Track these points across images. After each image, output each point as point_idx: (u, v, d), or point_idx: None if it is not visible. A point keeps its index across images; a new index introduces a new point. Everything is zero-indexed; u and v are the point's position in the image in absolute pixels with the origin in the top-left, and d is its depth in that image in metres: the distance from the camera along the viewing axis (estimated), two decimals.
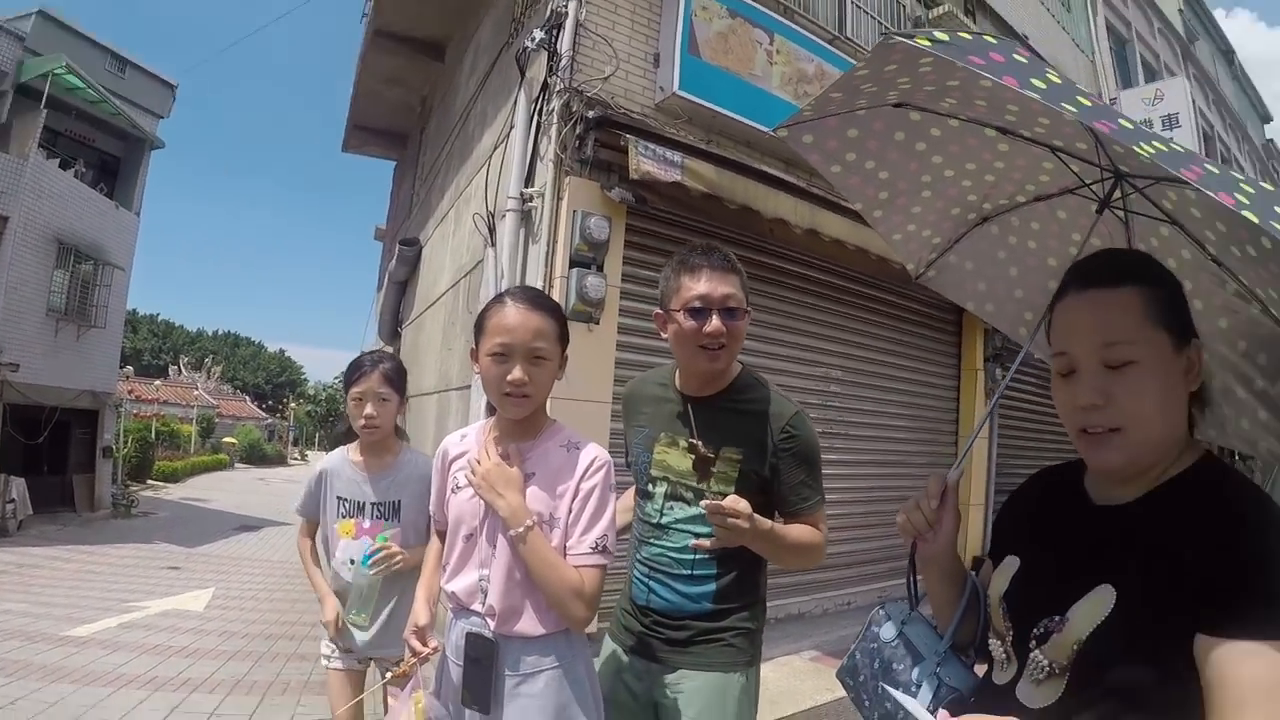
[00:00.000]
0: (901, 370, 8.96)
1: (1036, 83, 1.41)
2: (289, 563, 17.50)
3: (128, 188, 25.37)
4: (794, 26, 7.77)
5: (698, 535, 2.34)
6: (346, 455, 3.32)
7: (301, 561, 3.40)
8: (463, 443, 2.41)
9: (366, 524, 3.20)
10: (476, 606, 2.17)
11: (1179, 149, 1.38)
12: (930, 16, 9.58)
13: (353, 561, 3.14)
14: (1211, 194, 1.21)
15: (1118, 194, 1.98)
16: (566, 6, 6.18)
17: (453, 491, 2.33)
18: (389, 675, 2.63)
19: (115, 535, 20.24)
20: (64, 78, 21.15)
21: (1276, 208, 1.26)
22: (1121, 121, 1.37)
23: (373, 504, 3.21)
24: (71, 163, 23.02)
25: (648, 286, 6.10)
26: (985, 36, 1.61)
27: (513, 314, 2.21)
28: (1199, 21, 25.45)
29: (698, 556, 2.35)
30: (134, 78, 25.01)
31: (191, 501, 31.77)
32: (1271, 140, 31.42)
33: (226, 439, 59.16)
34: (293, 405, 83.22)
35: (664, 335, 2.49)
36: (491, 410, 2.36)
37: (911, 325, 9.03)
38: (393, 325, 12.54)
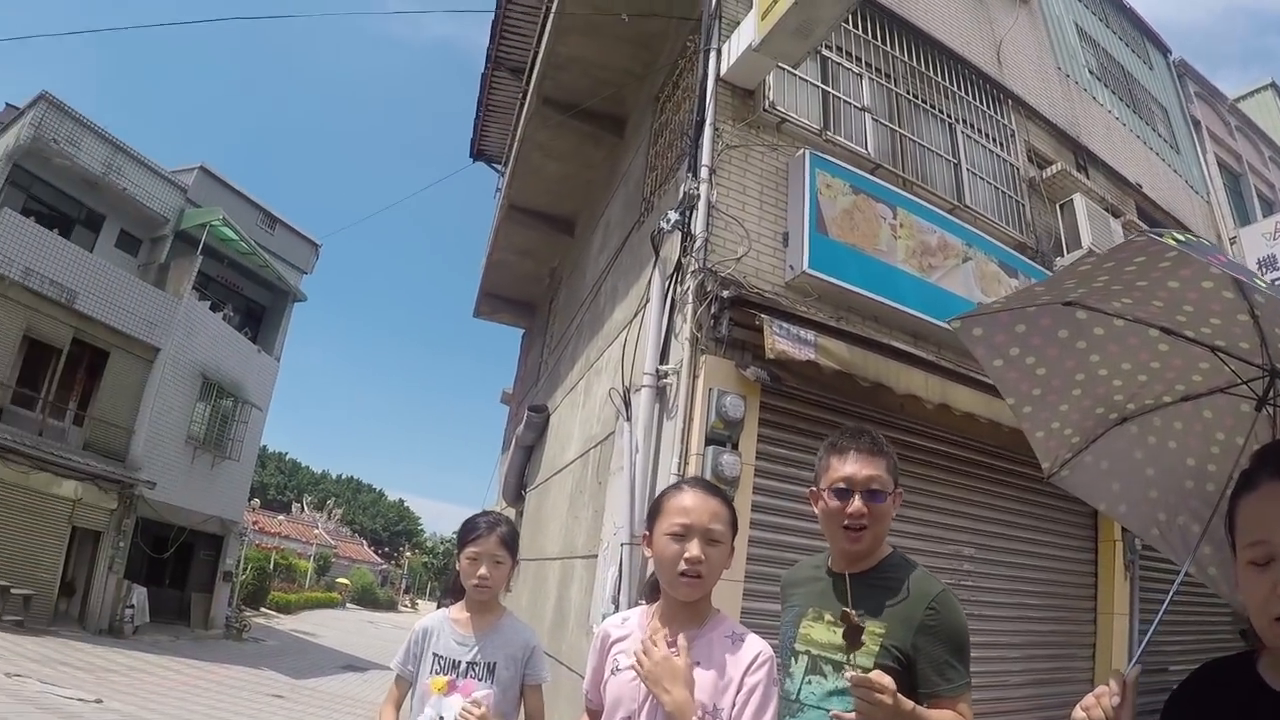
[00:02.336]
0: (1035, 545, 8.56)
1: (1259, 282, 1.56)
2: None
3: (270, 334, 27.08)
4: (914, 199, 7.84)
5: (832, 710, 2.27)
6: (448, 614, 3.35)
7: None
8: (624, 626, 2.44)
9: (460, 682, 3.17)
10: None
11: None
12: (1045, 176, 9.60)
13: (441, 718, 3.10)
14: None
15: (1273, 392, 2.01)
16: (699, 189, 6.38)
17: (612, 673, 2.34)
18: None
19: (225, 655, 20.76)
20: (219, 229, 22.88)
21: None
22: None
23: (468, 663, 3.18)
24: (221, 306, 24.76)
25: (782, 464, 6.08)
26: (1202, 240, 1.70)
27: (691, 496, 2.30)
28: None
29: None
30: (282, 234, 26.91)
31: (301, 634, 32.31)
32: None
33: (340, 579, 60.63)
34: (408, 554, 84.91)
35: (816, 512, 2.55)
36: (654, 592, 2.43)
37: (1044, 497, 8.65)
38: (517, 488, 12.69)
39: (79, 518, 19.45)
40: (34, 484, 18.41)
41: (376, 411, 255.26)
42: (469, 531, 3.29)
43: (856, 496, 2.40)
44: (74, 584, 19.81)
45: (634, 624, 2.43)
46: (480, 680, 3.15)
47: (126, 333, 20.90)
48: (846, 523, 2.41)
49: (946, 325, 2.52)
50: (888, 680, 2.05)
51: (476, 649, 3.19)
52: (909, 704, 2.10)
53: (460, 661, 3.19)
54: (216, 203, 23.68)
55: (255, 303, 27.66)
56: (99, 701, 10.51)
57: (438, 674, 3.20)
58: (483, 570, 3.18)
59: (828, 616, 2.42)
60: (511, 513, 13.30)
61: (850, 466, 2.44)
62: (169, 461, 21.95)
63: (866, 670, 2.12)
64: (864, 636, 2.30)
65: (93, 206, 22.56)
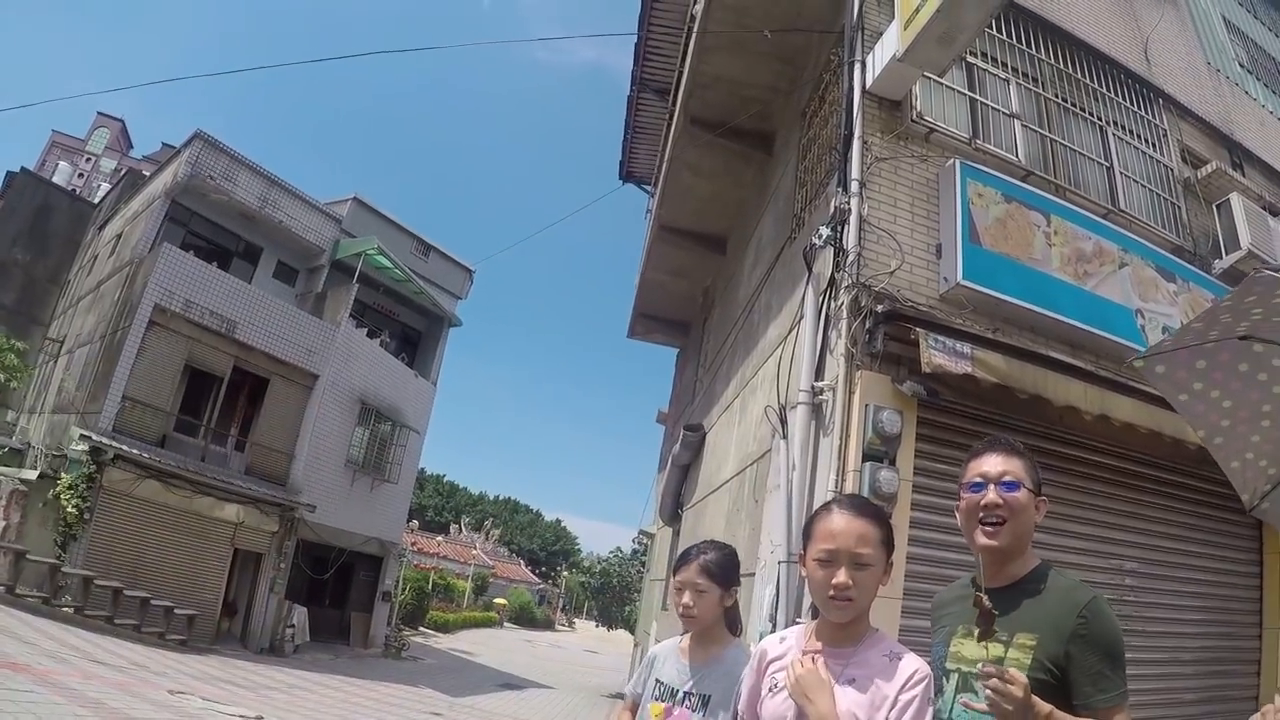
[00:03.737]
0: (1197, 558, 8.21)
1: None
2: None
3: (427, 359, 27.94)
4: (1068, 205, 7.65)
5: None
6: (677, 642, 3.35)
7: None
8: (781, 645, 2.49)
9: (676, 710, 3.16)
10: None
11: None
12: (1199, 176, 9.25)
13: None
14: None
15: None
16: (849, 203, 6.41)
17: (769, 692, 2.39)
18: None
19: (384, 673, 21.30)
20: (375, 258, 23.70)
21: None
22: None
23: (685, 693, 3.16)
24: (378, 333, 25.69)
25: (939, 480, 5.99)
26: None
27: (838, 520, 2.33)
28: None
29: None
30: (436, 261, 27.68)
31: (460, 653, 32.94)
32: None
33: (498, 599, 61.83)
34: (565, 573, 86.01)
35: (959, 524, 2.56)
36: (814, 613, 2.48)
37: (1207, 508, 8.34)
38: (673, 507, 12.76)
39: (241, 540, 20.30)
40: (198, 508, 19.30)
41: (533, 433, 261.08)
42: (679, 560, 3.32)
43: (991, 487, 2.43)
44: (236, 604, 20.75)
45: (791, 642, 2.48)
46: (694, 712, 3.11)
47: (286, 360, 21.82)
48: (981, 515, 2.44)
49: (1131, 365, 2.60)
50: (1022, 677, 2.06)
51: (693, 679, 3.16)
52: (1046, 707, 2.09)
53: (678, 690, 3.19)
54: (370, 232, 24.62)
55: (411, 328, 28.60)
56: (260, 718, 10.92)
57: (657, 700, 3.23)
58: (686, 598, 3.18)
59: (976, 631, 2.36)
60: (668, 532, 13.35)
61: (986, 464, 2.49)
62: (329, 485, 22.82)
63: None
64: (1013, 651, 2.29)
65: (250, 239, 23.77)
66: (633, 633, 28.51)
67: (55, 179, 56.68)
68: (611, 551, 73.15)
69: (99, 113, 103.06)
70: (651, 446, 24.28)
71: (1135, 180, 8.80)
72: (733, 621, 3.33)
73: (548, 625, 68.89)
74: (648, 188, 18.04)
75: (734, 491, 8.54)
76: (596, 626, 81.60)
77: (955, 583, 2.78)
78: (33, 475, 18.91)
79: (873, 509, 2.42)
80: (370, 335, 25.39)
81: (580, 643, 61.10)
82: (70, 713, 7.94)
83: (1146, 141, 9.18)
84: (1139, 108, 9.35)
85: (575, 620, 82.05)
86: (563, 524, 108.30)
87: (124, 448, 18.15)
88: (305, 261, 24.86)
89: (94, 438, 17.74)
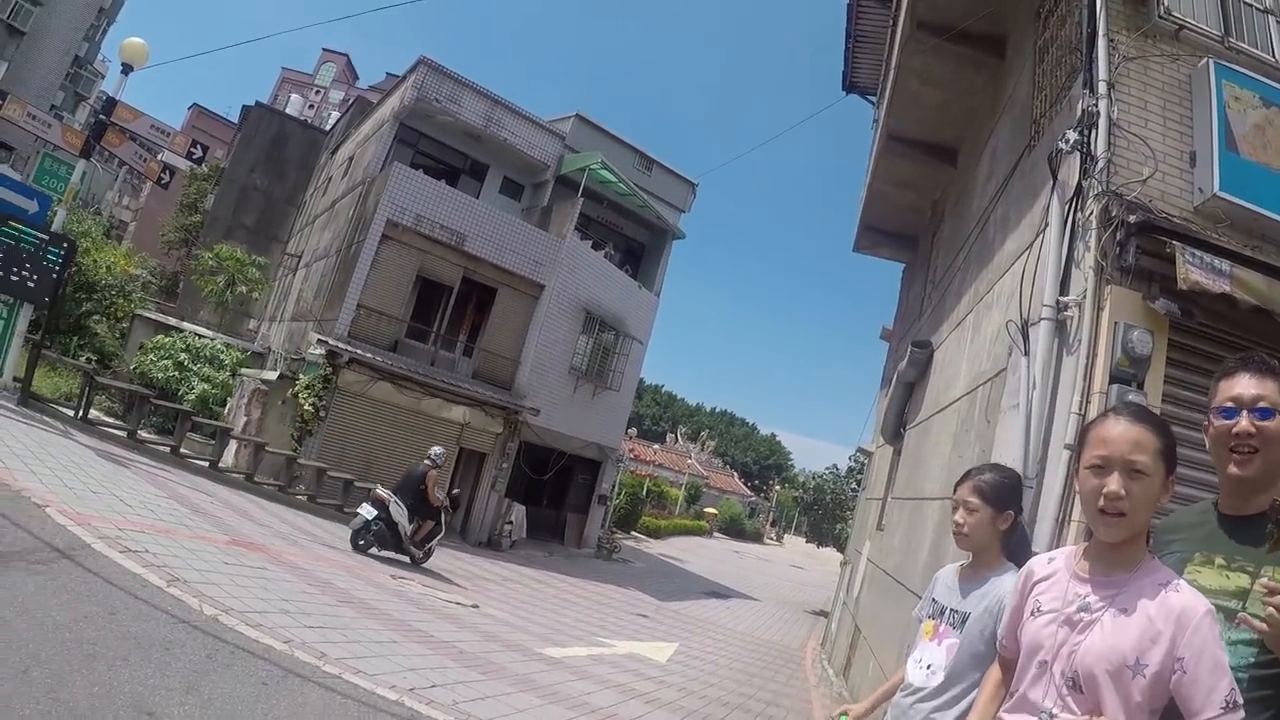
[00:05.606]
0: None
1: None
2: (751, 635, 18.21)
3: (650, 271, 28.52)
4: None
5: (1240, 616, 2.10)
6: (959, 564, 3.36)
7: None
8: (1049, 566, 2.37)
9: (942, 628, 3.20)
10: None
11: None
12: None
13: (923, 664, 3.18)
14: None
15: None
16: (1097, 105, 5.99)
17: (1032, 615, 2.28)
18: None
19: (594, 573, 22.31)
20: (598, 172, 24.28)
21: None
22: None
23: (952, 610, 3.19)
24: (602, 245, 26.44)
25: (1189, 409, 5.48)
26: None
27: (1114, 425, 2.18)
28: None
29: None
30: (659, 175, 28.03)
31: (668, 559, 34.08)
32: None
33: (709, 509, 63.30)
34: (777, 488, 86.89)
35: (1208, 446, 2.40)
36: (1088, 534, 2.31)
37: None
38: (896, 426, 12.46)
39: (466, 439, 21.54)
40: (426, 409, 20.68)
41: (753, 347, 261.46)
42: (959, 480, 3.33)
43: (1244, 415, 2.27)
44: (459, 499, 22.17)
45: (1060, 564, 2.34)
46: (954, 629, 3.14)
47: (513, 270, 22.71)
48: (1233, 444, 2.28)
49: None
50: None
51: (962, 596, 3.19)
52: None
53: (945, 608, 3.23)
54: (594, 147, 25.10)
55: (635, 241, 29.13)
56: (475, 606, 11.48)
57: (930, 618, 3.30)
58: (957, 516, 3.22)
59: (1218, 560, 2.25)
60: (889, 451, 13.24)
61: (1239, 386, 2.32)
62: (552, 390, 23.74)
63: None
64: (1253, 569, 2.16)
65: (476, 157, 24.79)
66: (842, 551, 28.51)
67: (288, 110, 60.10)
68: (827, 468, 72.53)
69: (324, 49, 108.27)
70: (874, 365, 23.79)
71: None
72: (1016, 548, 3.24)
73: (757, 538, 69.79)
74: (872, 98, 17.50)
75: (963, 411, 8.28)
76: (806, 542, 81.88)
77: (1184, 510, 2.63)
78: (273, 376, 20.88)
79: (1153, 417, 2.27)
80: (595, 248, 26.07)
81: (788, 558, 61.62)
82: (299, 590, 8.60)
83: None
84: None
85: (785, 535, 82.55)
86: (778, 439, 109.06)
87: (358, 351, 19.63)
88: (531, 177, 25.67)
89: (330, 342, 19.31)
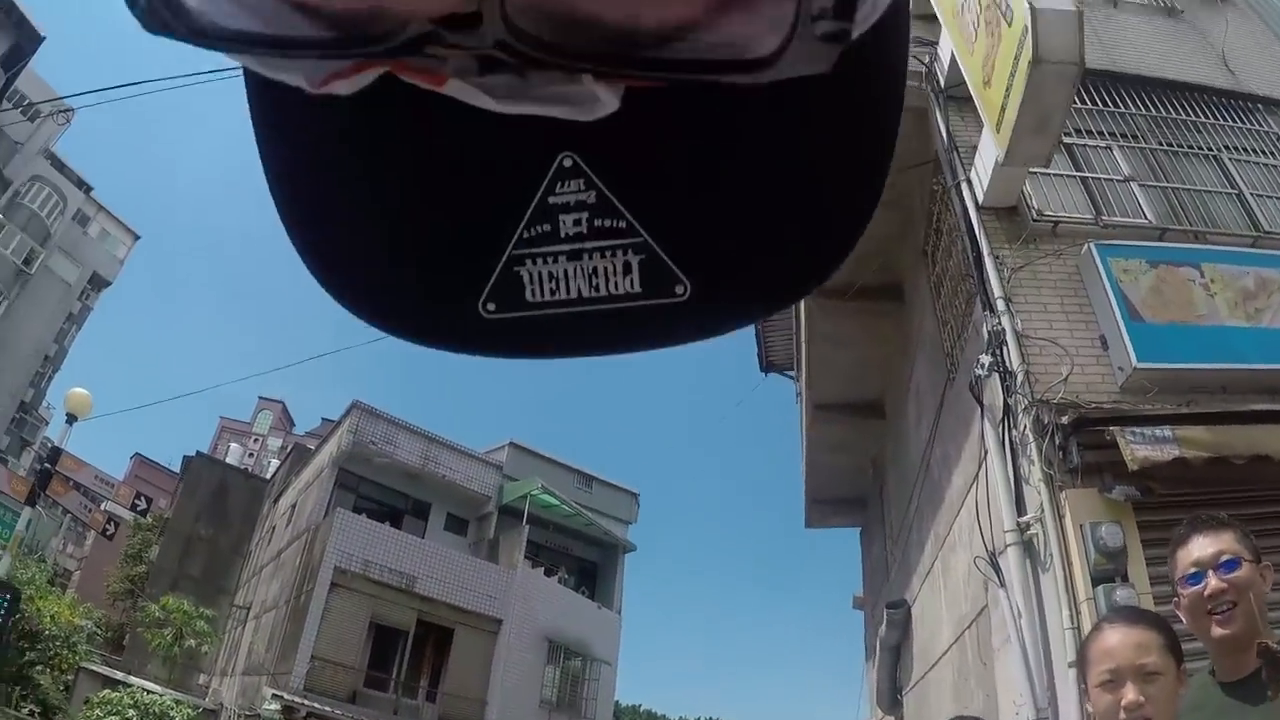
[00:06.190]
0: None
1: None
2: None
3: (607, 589, 28.30)
4: (1214, 248, 7.32)
5: None
6: None
7: None
8: None
9: None
10: None
11: None
12: None
13: None
14: None
15: None
16: (1001, 322, 6.25)
17: None
18: None
19: None
20: (540, 497, 24.51)
21: None
22: None
23: None
24: (555, 570, 26.19)
25: None
26: None
27: (1111, 635, 2.13)
28: None
29: None
30: (600, 491, 28.50)
31: None
32: None
33: None
34: None
35: (1185, 621, 2.34)
36: None
37: None
38: (891, 693, 11.92)
39: None
40: None
41: (728, 643, 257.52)
42: None
43: (1210, 575, 2.21)
44: None
45: None
46: None
47: (468, 608, 22.43)
48: (1209, 606, 2.21)
49: None
50: None
51: None
52: None
53: None
54: (532, 473, 25.62)
55: (587, 561, 29.09)
56: None
57: None
58: None
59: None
60: None
61: (1196, 551, 2.28)
62: None
63: None
64: None
65: (418, 496, 25.02)
66: None
67: (228, 460, 60.42)
68: None
69: (260, 396, 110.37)
70: (854, 636, 23.38)
71: (1268, 196, 8.39)
72: None
73: None
74: (790, 374, 17.97)
75: (955, 660, 8.06)
76: None
77: (1186, 689, 2.46)
78: None
79: (1148, 615, 2.28)
80: (547, 574, 25.89)
81: None
82: None
83: (1263, 152, 8.84)
84: (1242, 121, 9.05)
85: None
86: None
87: (316, 705, 18.90)
88: (473, 510, 25.86)
89: (286, 697, 18.62)
